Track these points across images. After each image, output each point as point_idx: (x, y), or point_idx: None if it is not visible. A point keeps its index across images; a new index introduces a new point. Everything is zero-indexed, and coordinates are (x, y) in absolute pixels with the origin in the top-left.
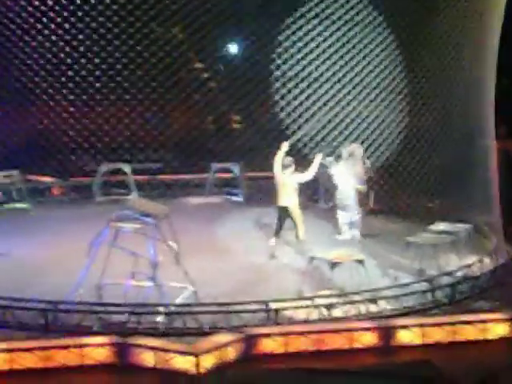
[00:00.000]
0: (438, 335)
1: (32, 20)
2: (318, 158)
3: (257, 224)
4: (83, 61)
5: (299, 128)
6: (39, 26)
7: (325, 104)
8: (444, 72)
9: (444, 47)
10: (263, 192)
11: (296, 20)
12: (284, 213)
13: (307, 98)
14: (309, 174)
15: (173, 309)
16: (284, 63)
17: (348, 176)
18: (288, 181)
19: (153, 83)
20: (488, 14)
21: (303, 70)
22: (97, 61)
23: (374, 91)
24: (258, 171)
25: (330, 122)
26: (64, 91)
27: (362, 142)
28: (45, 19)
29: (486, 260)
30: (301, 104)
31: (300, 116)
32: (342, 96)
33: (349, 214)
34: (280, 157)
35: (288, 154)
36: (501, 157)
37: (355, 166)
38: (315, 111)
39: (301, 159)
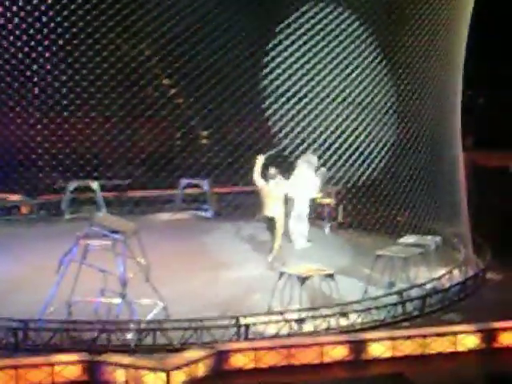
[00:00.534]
0: (409, 348)
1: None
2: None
3: (226, 239)
4: (49, 78)
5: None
6: (6, 44)
7: (293, 117)
8: (411, 82)
9: (412, 57)
10: (232, 207)
11: (270, 33)
12: (269, 223)
13: (276, 112)
14: (290, 184)
15: (143, 325)
16: (254, 77)
17: (300, 186)
18: (274, 191)
19: (120, 100)
20: (454, 24)
21: (273, 83)
22: (64, 78)
23: (342, 104)
24: (226, 186)
25: (298, 134)
26: (30, 109)
27: (331, 155)
28: (11, 37)
29: (456, 272)
30: (271, 117)
31: (270, 130)
32: (310, 109)
33: (301, 224)
34: (258, 170)
35: (267, 165)
36: (468, 168)
37: (309, 176)
38: (285, 125)
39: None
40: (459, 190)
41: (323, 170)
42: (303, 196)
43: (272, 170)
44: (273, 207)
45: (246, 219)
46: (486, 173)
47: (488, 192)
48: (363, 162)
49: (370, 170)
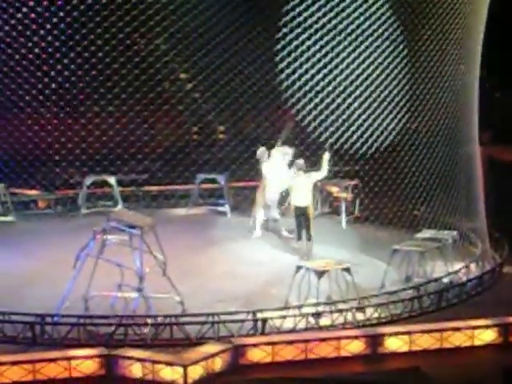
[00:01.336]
0: (425, 342)
1: (14, 33)
2: (326, 156)
3: (242, 234)
4: (67, 73)
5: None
6: (23, 40)
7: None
8: (430, 77)
9: (431, 51)
10: (248, 202)
11: (283, 28)
12: (301, 213)
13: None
14: (322, 173)
15: (160, 320)
16: (270, 72)
17: (272, 176)
18: (304, 182)
19: (137, 94)
20: (472, 18)
21: (288, 78)
22: (80, 73)
23: (361, 96)
24: (242, 181)
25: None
26: (48, 103)
27: (350, 146)
28: (28, 32)
29: (473, 266)
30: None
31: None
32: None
33: (268, 213)
34: (278, 164)
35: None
36: (485, 163)
37: (282, 167)
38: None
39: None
40: (476, 185)
41: (299, 161)
42: (276, 186)
43: (300, 161)
44: (305, 197)
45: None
46: (503, 167)
47: (505, 186)
48: (381, 156)
49: (388, 163)
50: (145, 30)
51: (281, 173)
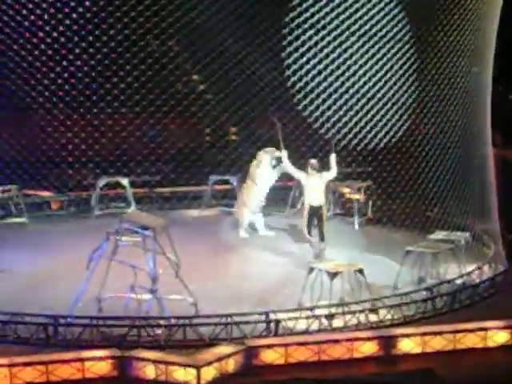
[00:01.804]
0: (438, 344)
1: (29, 35)
2: (333, 157)
3: (255, 235)
4: (80, 74)
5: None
6: (37, 41)
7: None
8: (444, 79)
9: (444, 53)
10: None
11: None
12: (315, 212)
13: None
14: (332, 173)
15: (173, 321)
16: (282, 73)
17: (263, 181)
18: (317, 182)
19: (150, 96)
20: (485, 20)
21: (302, 78)
22: (93, 74)
23: (375, 97)
24: None
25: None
26: (61, 105)
27: (363, 147)
28: (42, 33)
29: (486, 268)
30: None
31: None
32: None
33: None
34: (287, 164)
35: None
36: (498, 164)
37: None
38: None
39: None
40: (489, 186)
41: (312, 161)
42: (263, 188)
43: (313, 161)
44: (319, 196)
45: (275, 214)
46: None
47: None
48: (394, 157)
49: (401, 165)
50: (158, 32)
51: (270, 176)
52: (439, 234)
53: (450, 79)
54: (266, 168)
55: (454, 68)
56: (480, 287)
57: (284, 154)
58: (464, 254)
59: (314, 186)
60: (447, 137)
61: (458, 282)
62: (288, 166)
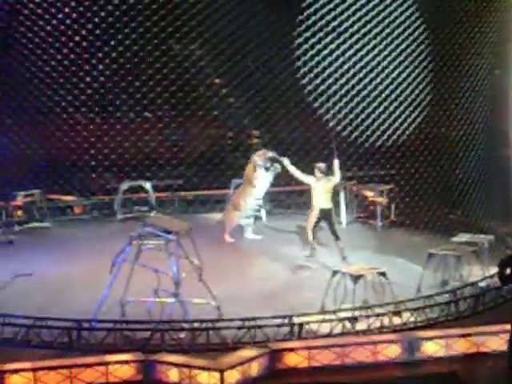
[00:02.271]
0: (462, 347)
1: (51, 39)
2: (337, 163)
3: (278, 238)
4: (102, 79)
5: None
6: (58, 45)
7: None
8: (466, 81)
9: (466, 55)
10: (283, 206)
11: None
12: (325, 215)
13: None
14: (336, 178)
15: (196, 325)
16: (305, 76)
17: (250, 182)
18: (326, 185)
19: (172, 99)
20: (508, 22)
21: (324, 81)
22: (116, 78)
23: (398, 98)
24: (277, 186)
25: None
26: (84, 109)
27: (388, 148)
28: (64, 38)
29: (509, 270)
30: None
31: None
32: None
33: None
34: (296, 170)
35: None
36: None
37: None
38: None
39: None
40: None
41: (321, 165)
42: (260, 191)
43: (322, 164)
44: (328, 199)
45: (297, 218)
46: None
47: None
48: (417, 160)
49: (424, 168)
50: (180, 36)
51: (265, 179)
52: (462, 237)
53: (472, 81)
54: (261, 170)
55: (477, 70)
56: (503, 289)
57: (286, 160)
58: (487, 256)
59: (323, 189)
60: (470, 139)
61: (482, 284)
62: (295, 172)
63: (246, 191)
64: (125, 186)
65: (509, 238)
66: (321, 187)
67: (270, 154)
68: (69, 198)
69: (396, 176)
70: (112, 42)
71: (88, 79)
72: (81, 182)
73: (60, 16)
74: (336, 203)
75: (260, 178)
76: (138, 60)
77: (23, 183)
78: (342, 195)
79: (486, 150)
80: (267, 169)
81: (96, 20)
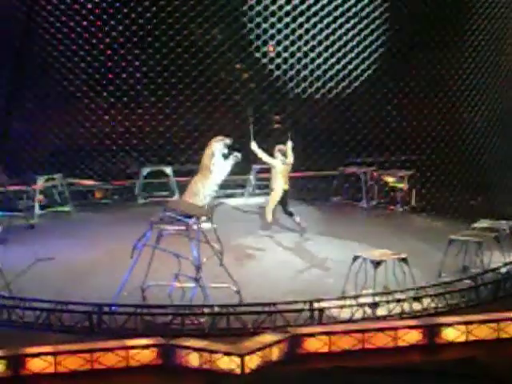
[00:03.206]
0: (482, 333)
1: (73, 24)
2: (290, 144)
3: (298, 224)
4: (124, 63)
5: None
6: (80, 30)
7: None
8: (490, 72)
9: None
10: (305, 191)
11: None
12: (285, 195)
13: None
14: (290, 159)
15: (217, 309)
16: (325, 63)
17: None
18: (288, 166)
19: (194, 84)
20: None
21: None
22: (137, 63)
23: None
24: (299, 171)
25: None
26: (105, 94)
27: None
28: (86, 23)
29: None
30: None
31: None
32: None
33: None
34: (260, 153)
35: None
36: None
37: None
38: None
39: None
40: None
41: (282, 147)
42: (217, 178)
43: (282, 146)
44: (287, 180)
45: (318, 203)
46: None
47: None
48: (438, 146)
49: (444, 154)
50: (201, 20)
51: (223, 166)
52: (483, 223)
53: (494, 73)
54: (219, 157)
55: (498, 57)
56: None
57: (254, 144)
58: (508, 242)
59: (285, 171)
60: (491, 125)
61: (503, 270)
62: (262, 155)
63: (204, 179)
64: (146, 170)
65: None
66: (284, 169)
67: (228, 140)
68: (90, 182)
69: (417, 162)
70: (133, 27)
71: (109, 64)
72: (102, 166)
73: (82, 0)
74: (358, 189)
75: (217, 164)
76: (159, 45)
77: (44, 167)
78: (362, 181)
79: (507, 136)
80: (225, 156)
81: (117, 4)
